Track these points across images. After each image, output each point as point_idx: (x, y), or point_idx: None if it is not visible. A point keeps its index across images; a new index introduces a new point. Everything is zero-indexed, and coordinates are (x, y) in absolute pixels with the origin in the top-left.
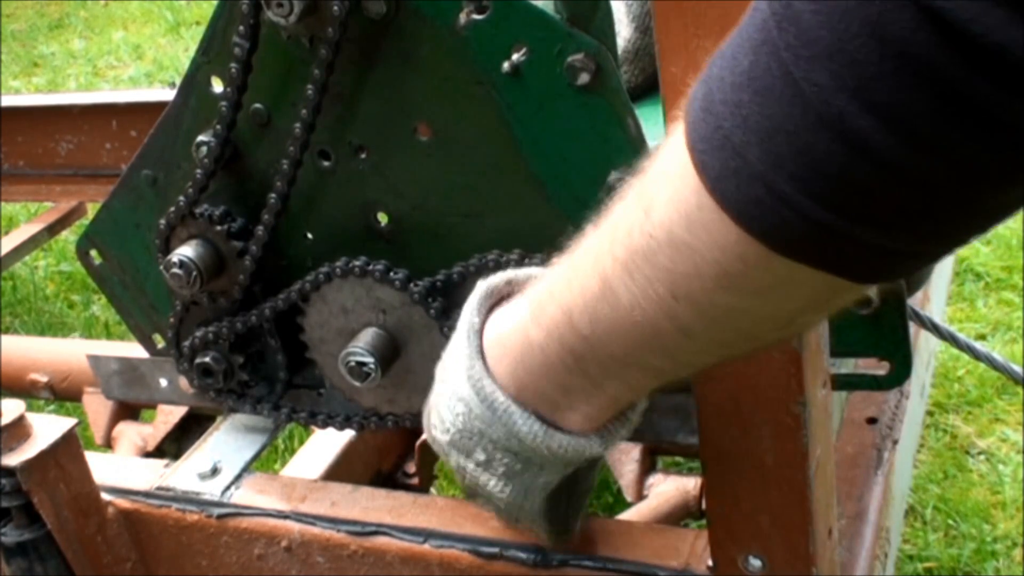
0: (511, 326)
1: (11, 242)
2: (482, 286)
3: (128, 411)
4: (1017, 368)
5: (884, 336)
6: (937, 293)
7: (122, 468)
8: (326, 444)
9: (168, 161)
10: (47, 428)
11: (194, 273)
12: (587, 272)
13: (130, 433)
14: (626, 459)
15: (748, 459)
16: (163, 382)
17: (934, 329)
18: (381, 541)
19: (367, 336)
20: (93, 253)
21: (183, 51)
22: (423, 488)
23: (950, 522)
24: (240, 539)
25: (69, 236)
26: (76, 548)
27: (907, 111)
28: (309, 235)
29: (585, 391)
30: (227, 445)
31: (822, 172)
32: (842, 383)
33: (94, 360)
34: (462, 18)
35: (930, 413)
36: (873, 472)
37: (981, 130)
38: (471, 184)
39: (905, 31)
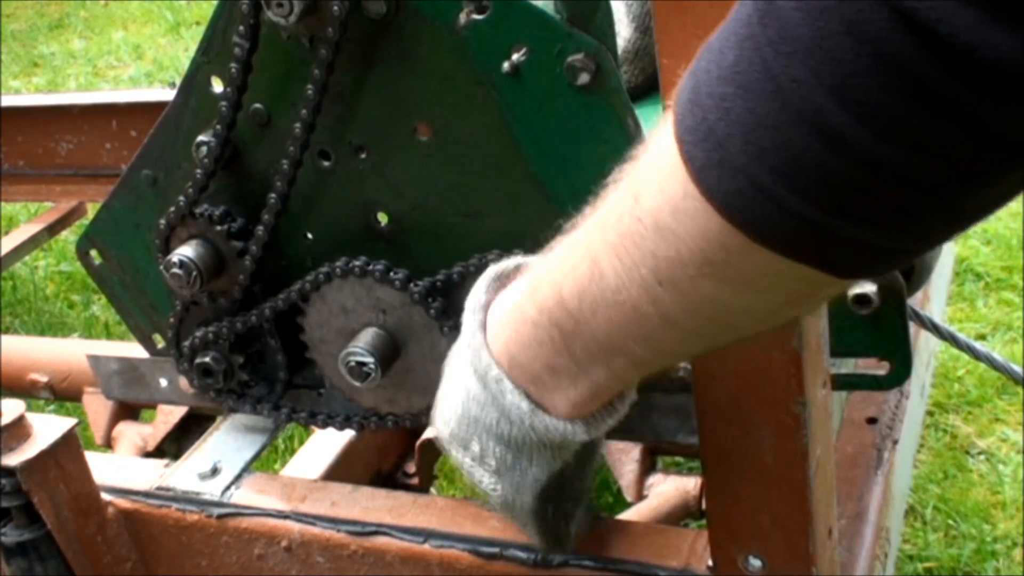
0: (511, 303)
1: (11, 242)
2: (492, 269)
3: (128, 411)
4: (1017, 368)
5: (884, 336)
6: (937, 293)
7: (122, 468)
8: (326, 444)
9: (168, 161)
10: (47, 428)
11: (194, 273)
12: (579, 252)
13: (130, 433)
14: (626, 459)
15: (748, 459)
16: (163, 382)
17: (934, 329)
18: (381, 541)
19: (367, 336)
20: (93, 253)
21: (183, 51)
22: (423, 488)
23: (950, 522)
24: (240, 539)
25: (69, 236)
26: (76, 548)
27: (882, 109)
28: (309, 235)
29: (570, 373)
30: (227, 445)
31: (801, 166)
32: (842, 383)
33: (94, 360)
34: (462, 18)
35: (930, 413)
36: (873, 472)
37: (954, 129)
38: (471, 184)
39: (881, 30)
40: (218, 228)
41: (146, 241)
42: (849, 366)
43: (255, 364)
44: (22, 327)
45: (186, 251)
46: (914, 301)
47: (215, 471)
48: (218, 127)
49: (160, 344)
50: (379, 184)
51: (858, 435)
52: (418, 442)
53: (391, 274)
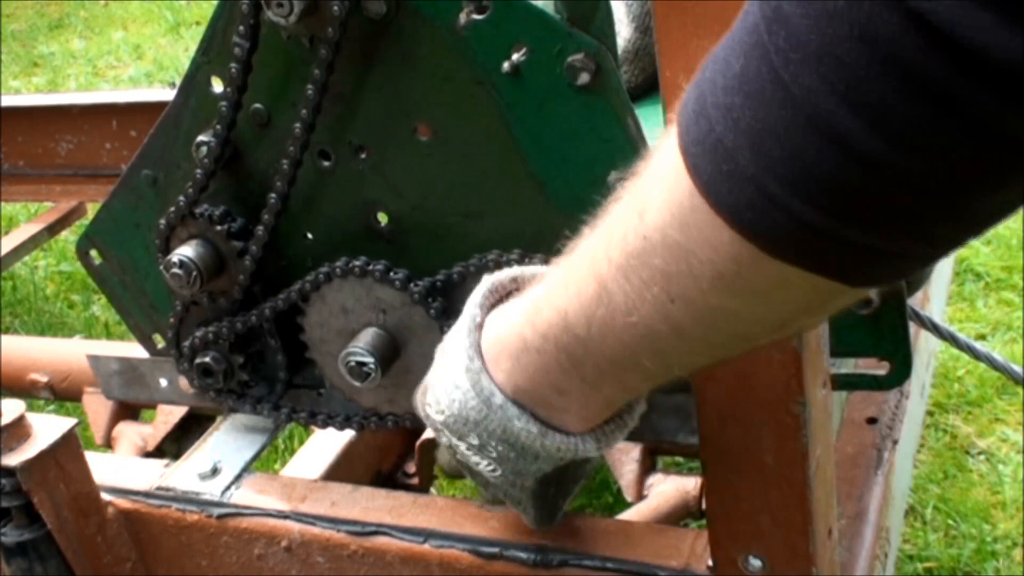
0: (508, 327)
1: (11, 242)
2: (487, 281)
3: (128, 411)
4: (1017, 368)
5: (884, 336)
6: (937, 293)
7: (122, 468)
8: (326, 444)
9: (168, 161)
10: (47, 428)
11: (194, 273)
12: (583, 275)
13: (130, 433)
14: (626, 459)
15: (748, 459)
16: (163, 382)
17: (934, 329)
18: (381, 541)
19: (367, 336)
20: (93, 253)
21: (183, 51)
22: (423, 488)
23: (950, 522)
24: (240, 539)
25: (69, 236)
26: (76, 548)
27: (895, 114)
28: (309, 235)
29: (581, 393)
30: (227, 445)
31: (812, 175)
32: (842, 383)
33: (94, 360)
34: (462, 18)
35: (930, 413)
36: (873, 472)
37: (968, 133)
38: (471, 184)
39: (892, 34)
40: (218, 228)
41: (146, 241)
42: (849, 366)
43: (255, 364)
44: (22, 327)
45: (186, 251)
46: (914, 301)
47: (215, 471)
48: (218, 127)
49: (160, 344)
50: (379, 184)
51: (858, 435)
52: (418, 442)
53: (391, 274)
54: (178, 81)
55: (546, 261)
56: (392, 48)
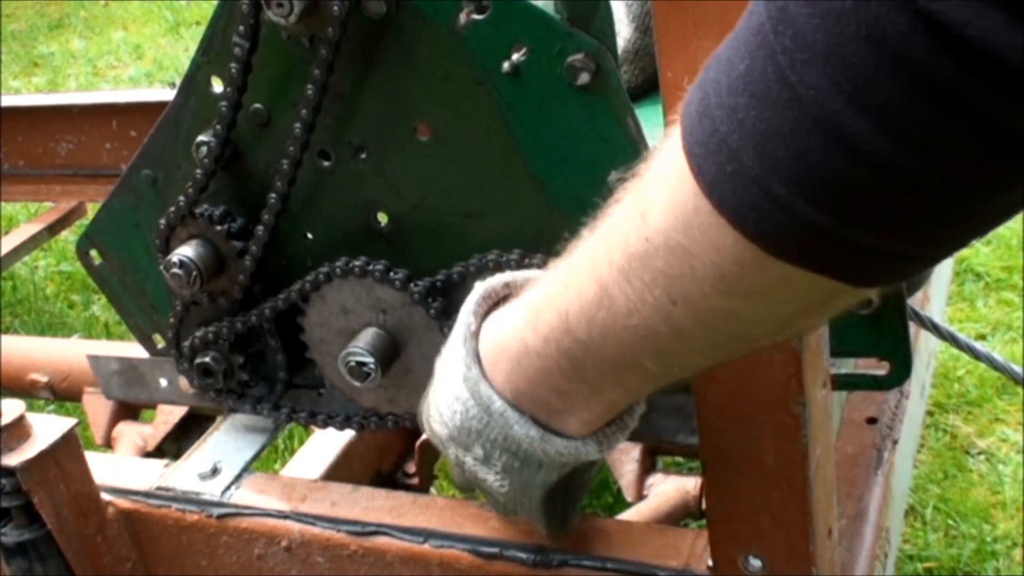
0: (507, 331)
1: (11, 242)
2: (479, 288)
3: (128, 411)
4: (1017, 368)
5: (884, 336)
6: (937, 293)
7: (122, 468)
8: (326, 444)
9: (168, 161)
10: (47, 428)
11: (194, 273)
12: (584, 277)
13: (130, 433)
14: (626, 459)
15: (748, 459)
16: (163, 382)
17: (934, 329)
18: (381, 541)
19: (367, 336)
20: (93, 253)
21: (183, 51)
22: (423, 488)
23: (950, 522)
24: (240, 539)
25: (69, 236)
26: (76, 548)
27: (903, 114)
28: (309, 235)
29: (583, 396)
30: (227, 445)
31: (818, 175)
32: (842, 383)
33: (94, 360)
34: (462, 18)
35: (930, 413)
36: (873, 472)
37: (977, 133)
38: (471, 184)
39: (901, 34)
40: (218, 228)
41: (146, 241)
42: (849, 366)
43: (255, 364)
44: (22, 327)
45: (186, 251)
46: (914, 301)
47: (215, 471)
48: (218, 127)
49: (160, 344)
50: (379, 184)
51: (858, 435)
52: (418, 442)
53: (391, 274)
54: (178, 81)
55: (546, 261)
56: (392, 48)
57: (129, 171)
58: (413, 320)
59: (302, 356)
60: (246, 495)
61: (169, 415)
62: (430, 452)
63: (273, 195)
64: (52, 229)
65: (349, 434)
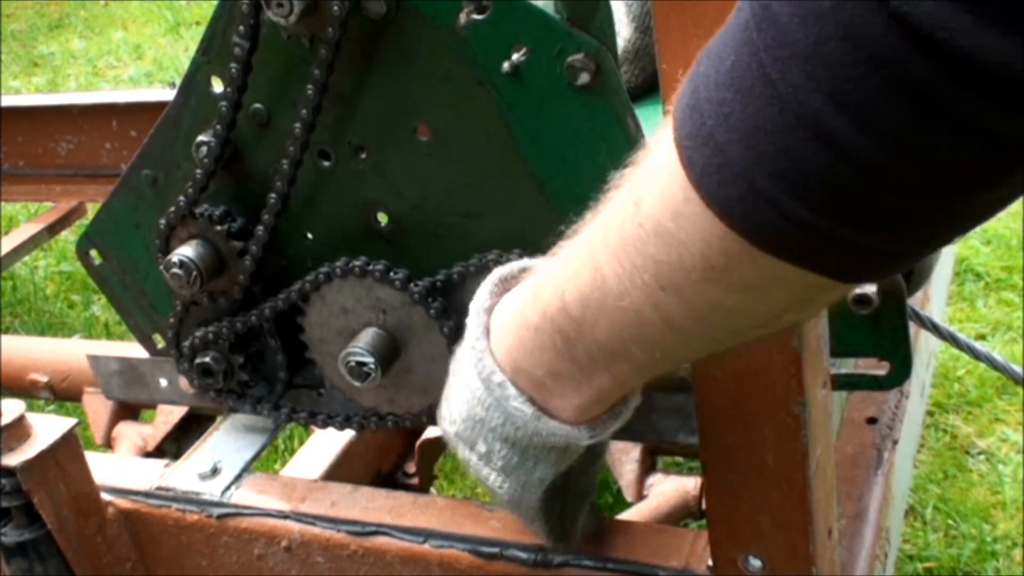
0: (513, 306)
1: (11, 242)
2: (497, 272)
3: (128, 411)
4: (1017, 368)
5: (884, 336)
6: (937, 293)
7: (122, 468)
8: (326, 444)
9: (168, 161)
10: (47, 428)
11: (194, 273)
12: (581, 258)
13: (130, 433)
14: (626, 459)
15: (748, 459)
16: (163, 382)
17: (934, 329)
18: (381, 541)
19: (367, 336)
20: (93, 253)
21: (183, 51)
22: (423, 488)
23: (950, 522)
24: (240, 539)
25: (69, 236)
26: (76, 548)
27: (880, 113)
28: (309, 235)
29: (573, 379)
30: (227, 445)
31: (801, 171)
32: (842, 383)
33: (94, 360)
34: (462, 18)
35: (930, 413)
36: (873, 472)
37: (952, 133)
38: (471, 184)
39: (876, 35)
40: (218, 228)
41: (146, 241)
42: (849, 366)
43: (255, 364)
44: (22, 327)
45: (186, 251)
46: (914, 301)
47: (215, 471)
48: (218, 127)
49: (160, 344)
50: (379, 184)
51: (858, 435)
52: (418, 442)
53: (391, 274)
54: (178, 81)
55: None
56: (392, 48)
57: (129, 171)
58: (413, 320)
59: (302, 356)
60: (246, 495)
61: (169, 415)
62: (430, 452)
63: (273, 195)
64: (52, 229)
65: (349, 434)
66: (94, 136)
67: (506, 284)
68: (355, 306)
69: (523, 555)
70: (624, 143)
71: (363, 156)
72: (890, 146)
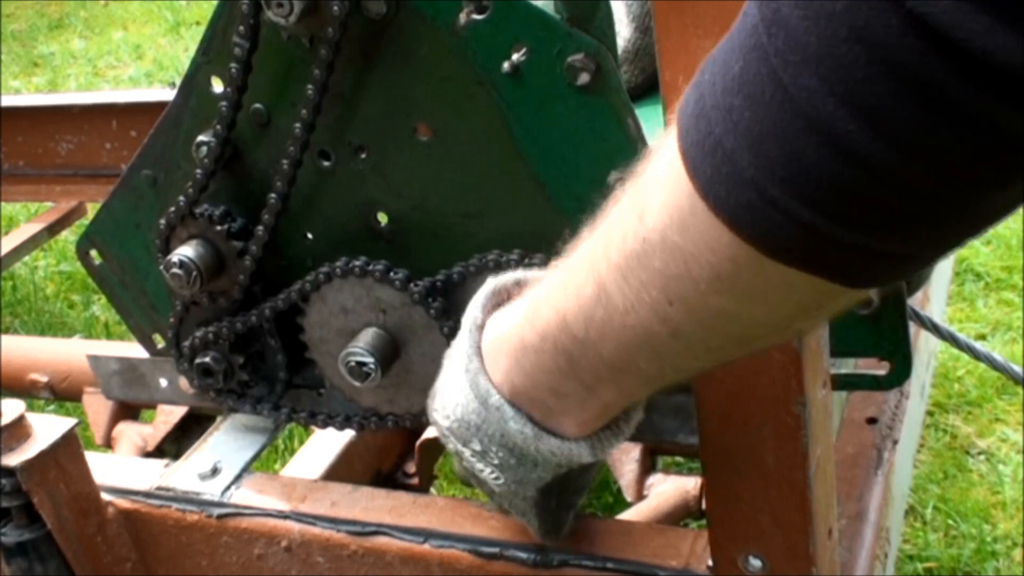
0: (508, 327)
1: (11, 242)
2: (490, 283)
3: (128, 411)
4: (1017, 368)
5: (884, 336)
6: (937, 293)
7: (122, 468)
8: (326, 444)
9: (168, 161)
10: (47, 428)
11: (194, 273)
12: (582, 276)
13: (130, 433)
14: (626, 459)
15: (748, 459)
16: (163, 382)
17: (934, 329)
18: (381, 541)
19: (367, 336)
20: (93, 253)
21: (183, 51)
22: (423, 488)
23: (950, 522)
24: (240, 539)
25: (69, 236)
26: (76, 548)
27: (894, 116)
28: (309, 235)
29: (578, 396)
30: (227, 445)
31: (811, 176)
32: (842, 383)
33: (94, 360)
34: (462, 18)
35: (930, 413)
36: (873, 472)
37: (967, 135)
38: (471, 184)
39: (891, 36)
40: (218, 228)
41: (146, 241)
42: (849, 366)
43: (255, 364)
44: (22, 327)
45: (186, 251)
46: (914, 301)
47: (215, 471)
48: (218, 127)
49: (160, 344)
50: (379, 184)
51: (858, 435)
52: (418, 442)
53: (391, 274)
54: (178, 81)
55: (546, 261)
56: (392, 48)
57: (129, 171)
58: (413, 320)
59: (302, 356)
60: (246, 495)
61: (169, 415)
62: (430, 452)
63: (273, 195)
64: (52, 229)
65: (349, 434)
66: (94, 136)
67: (499, 297)
68: (355, 306)
69: (523, 555)
70: (624, 143)
71: (363, 156)
72: (904, 148)
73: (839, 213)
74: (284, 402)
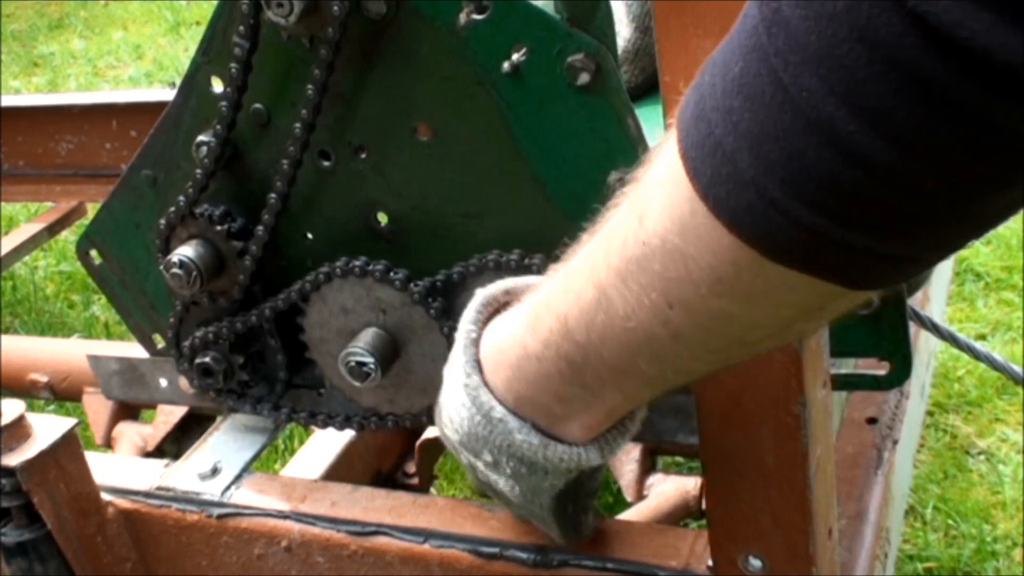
0: (507, 336)
1: (11, 242)
2: (479, 296)
3: (128, 411)
4: (1017, 368)
5: (884, 336)
6: (937, 293)
7: (122, 468)
8: (326, 444)
9: (168, 161)
10: (47, 428)
11: (194, 273)
12: (582, 281)
13: (130, 433)
14: (626, 459)
15: (748, 459)
16: (163, 382)
17: (934, 329)
18: (381, 541)
19: (367, 336)
20: (93, 253)
21: (183, 51)
22: (423, 488)
23: (950, 522)
24: (240, 539)
25: (69, 236)
26: (76, 548)
27: (896, 115)
28: (309, 235)
29: (582, 401)
30: (227, 445)
31: (812, 177)
32: (842, 383)
33: (94, 360)
34: (462, 18)
35: (930, 413)
36: (873, 472)
37: (969, 134)
38: (471, 184)
39: (893, 35)
40: (218, 228)
41: (146, 241)
42: (849, 366)
43: (255, 364)
44: (22, 327)
45: (186, 251)
46: (914, 301)
47: (215, 471)
48: (218, 127)
49: (160, 344)
50: (379, 184)
51: (858, 435)
52: (418, 442)
53: (391, 274)
54: (178, 81)
55: (546, 261)
56: (392, 48)
57: (129, 171)
58: (413, 320)
59: (302, 356)
60: (246, 495)
61: (169, 415)
62: (430, 452)
63: (273, 195)
64: (52, 229)
65: (349, 434)
66: (94, 136)
67: (490, 308)
68: (355, 306)
69: (523, 555)
70: (624, 143)
71: (363, 156)
72: (906, 148)
73: (840, 214)
74: (284, 402)
